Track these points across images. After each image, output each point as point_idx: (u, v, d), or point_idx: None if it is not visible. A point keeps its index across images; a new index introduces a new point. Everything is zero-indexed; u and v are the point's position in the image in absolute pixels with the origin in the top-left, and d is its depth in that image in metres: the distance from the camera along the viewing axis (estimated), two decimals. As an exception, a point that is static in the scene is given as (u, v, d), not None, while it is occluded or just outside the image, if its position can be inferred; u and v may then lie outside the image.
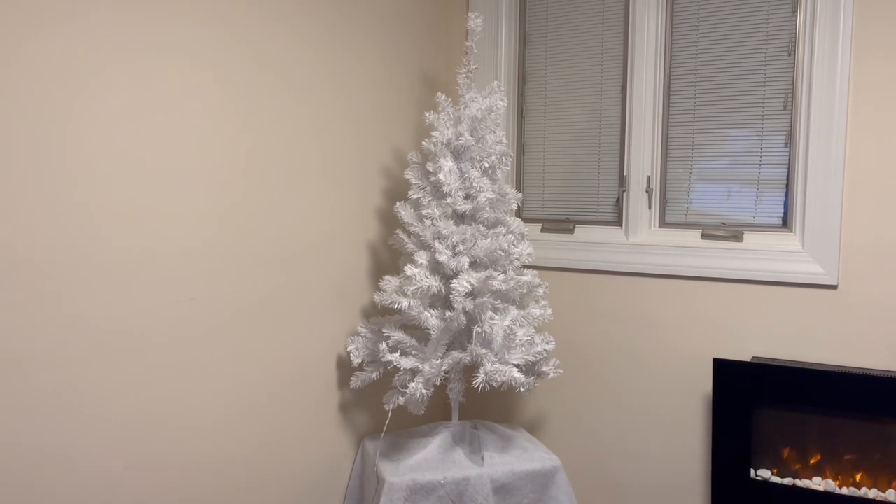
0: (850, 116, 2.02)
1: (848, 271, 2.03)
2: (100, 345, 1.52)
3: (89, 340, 1.50)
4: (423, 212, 2.09)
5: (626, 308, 2.37)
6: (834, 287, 2.05)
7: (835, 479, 2.01)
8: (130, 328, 1.58)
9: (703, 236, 2.27)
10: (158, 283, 1.64)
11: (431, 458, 2.08)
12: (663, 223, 2.37)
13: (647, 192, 2.36)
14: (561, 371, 2.21)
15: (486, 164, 2.10)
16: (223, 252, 1.80)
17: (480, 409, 2.67)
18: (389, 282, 2.10)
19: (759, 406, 2.09)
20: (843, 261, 2.04)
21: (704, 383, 2.25)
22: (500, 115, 2.14)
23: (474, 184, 2.07)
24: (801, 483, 2.03)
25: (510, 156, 2.16)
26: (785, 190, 2.17)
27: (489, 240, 2.07)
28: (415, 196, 2.13)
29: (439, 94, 2.14)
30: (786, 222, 2.18)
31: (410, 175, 2.13)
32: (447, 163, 2.07)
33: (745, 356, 2.18)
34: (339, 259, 2.18)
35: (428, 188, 2.12)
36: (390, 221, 2.37)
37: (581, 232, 2.49)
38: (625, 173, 2.40)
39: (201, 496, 1.77)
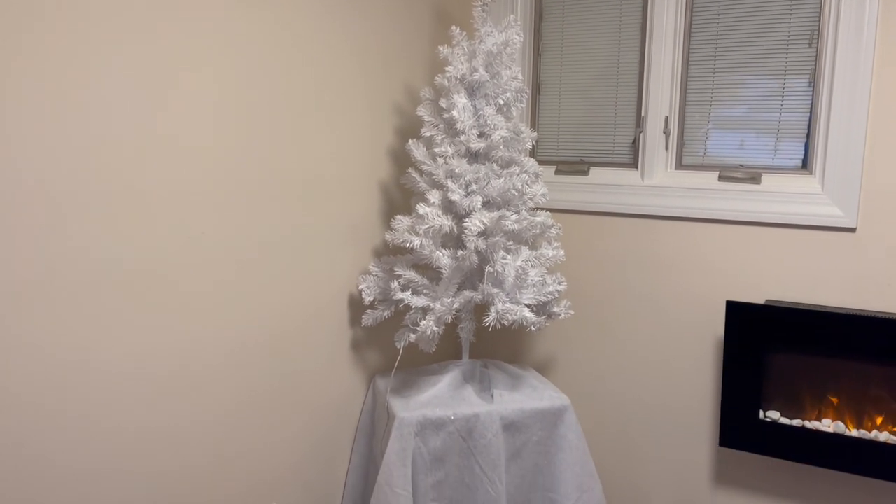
0: (877, 51, 1.95)
1: (867, 214, 2.00)
2: (108, 278, 1.52)
3: (98, 274, 1.50)
4: (436, 150, 2.06)
5: (639, 251, 2.35)
6: (853, 230, 2.01)
7: (845, 421, 2.01)
8: (138, 262, 1.58)
9: (721, 178, 2.23)
10: (168, 217, 1.63)
11: (441, 395, 2.10)
12: (680, 165, 2.33)
13: (664, 132, 2.31)
14: (572, 312, 2.20)
15: (501, 102, 2.06)
16: (234, 189, 1.78)
17: (491, 349, 2.68)
18: (401, 221, 2.08)
19: (770, 349, 2.08)
20: (862, 204, 2.00)
21: (717, 326, 2.24)
22: (516, 50, 2.09)
23: (488, 121, 2.03)
24: (810, 425, 2.04)
25: (525, 93, 2.12)
26: (805, 137, 2.12)
27: (503, 179, 2.05)
28: (427, 134, 2.09)
29: (454, 27, 2.09)
30: (806, 164, 2.14)
31: (423, 112, 2.10)
32: (461, 99, 2.03)
33: (759, 300, 2.17)
34: (351, 198, 2.17)
35: (441, 126, 2.09)
36: (402, 160, 2.34)
37: (596, 174, 2.45)
38: (642, 114, 2.35)
39: (210, 434, 1.80)
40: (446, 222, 2.01)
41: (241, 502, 1.90)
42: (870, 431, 1.97)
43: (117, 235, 1.53)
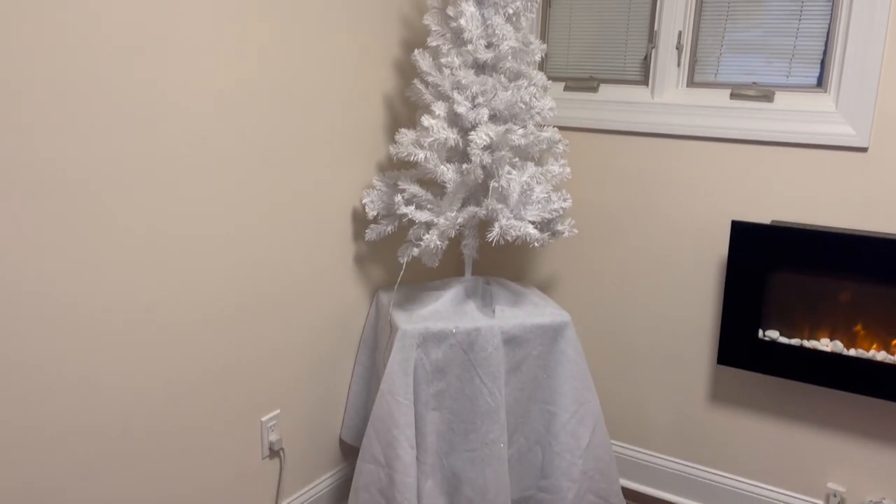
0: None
1: (880, 134, 1.96)
2: (107, 181, 1.51)
3: (94, 174, 1.49)
4: (443, 61, 2.01)
5: (647, 170, 2.32)
6: (864, 150, 1.98)
7: (844, 341, 2.02)
8: (139, 166, 1.57)
9: (733, 96, 2.18)
10: (169, 123, 1.61)
11: (444, 310, 2.11)
12: (691, 83, 2.28)
13: (676, 48, 2.25)
14: (576, 231, 2.19)
15: (511, 11, 2.00)
16: (236, 94, 1.75)
17: (493, 267, 2.69)
18: (406, 135, 2.05)
19: (774, 269, 2.08)
20: (876, 123, 1.96)
21: (721, 247, 2.23)
22: (527, -43, 2.01)
23: (497, 31, 1.98)
24: (809, 344, 2.05)
25: (536, 2, 2.05)
26: (821, 61, 2.06)
27: (510, 92, 2.01)
28: (434, 43, 2.04)
29: (462, -68, 2.01)
30: (820, 83, 2.08)
31: (430, 20, 2.04)
32: (469, 7, 1.97)
33: (765, 221, 2.15)
34: (355, 111, 2.13)
35: (448, 35, 2.03)
36: (408, 73, 2.30)
37: (605, 91, 2.40)
38: (655, 28, 2.28)
39: (214, 341, 1.83)
40: (451, 135, 1.98)
41: (246, 408, 1.94)
42: (867, 351, 1.99)
43: (115, 139, 1.51)
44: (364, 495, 2.02)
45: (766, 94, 2.13)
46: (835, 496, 2.13)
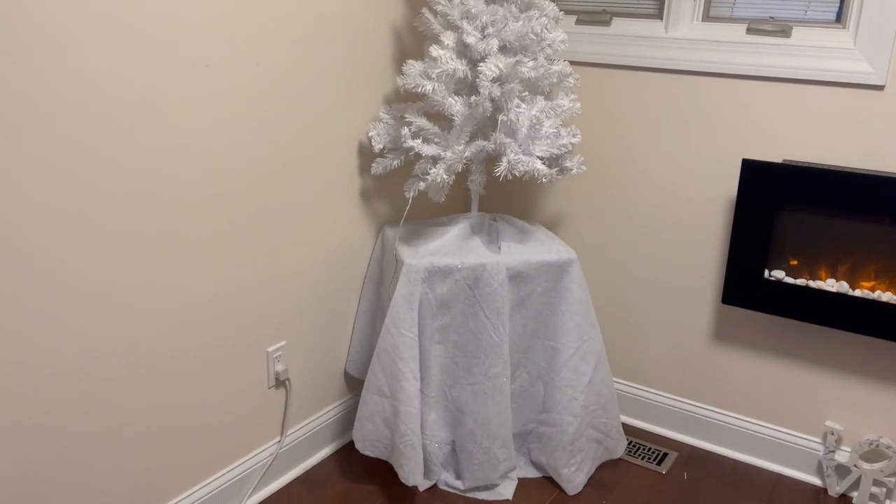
0: None
1: (899, 72, 1.92)
2: (113, 111, 1.49)
3: (99, 104, 1.47)
4: (452, -11, 1.96)
5: (658, 107, 2.28)
6: (881, 88, 1.94)
7: (850, 282, 2.02)
8: (144, 94, 1.54)
9: (749, 31, 2.12)
10: (174, 47, 1.57)
11: (450, 245, 2.11)
12: (707, 17, 2.22)
13: (693, -20, 2.18)
14: (584, 168, 2.17)
15: (523, -63, 1.93)
16: (243, 25, 1.71)
17: (500, 203, 2.68)
18: (413, 66, 2.01)
19: (783, 209, 2.07)
20: (894, 61, 1.92)
21: (731, 187, 2.21)
22: None
23: (508, -42, 1.92)
24: (814, 284, 2.05)
25: (549, -71, 1.98)
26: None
27: (521, 23, 1.96)
28: (443, -29, 1.98)
29: None
30: (839, 18, 2.03)
31: (439, -54, 1.97)
32: (480, -68, 1.90)
33: (776, 160, 2.12)
34: (361, 41, 2.08)
35: (458, -38, 1.97)
36: (416, 1, 2.24)
37: (618, 25, 2.34)
38: (672, -41, 2.21)
39: (220, 270, 1.83)
40: (460, 66, 1.94)
41: (253, 339, 1.96)
42: (873, 292, 1.98)
43: (119, 66, 1.48)
44: (369, 425, 2.05)
45: (783, 30, 2.07)
46: (832, 434, 2.16)
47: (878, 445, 2.10)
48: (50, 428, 1.51)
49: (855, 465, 2.13)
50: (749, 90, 2.13)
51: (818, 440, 2.23)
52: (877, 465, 2.11)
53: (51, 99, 1.37)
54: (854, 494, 2.17)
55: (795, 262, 2.09)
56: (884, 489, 2.11)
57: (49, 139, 1.38)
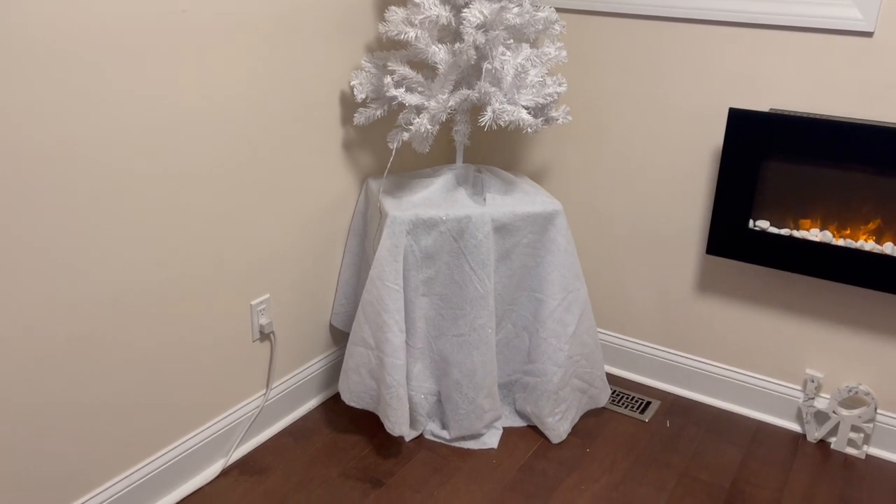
0: None
1: (888, 19, 1.89)
2: (87, 61, 1.44)
3: (76, 56, 1.42)
4: (435, -69, 1.90)
5: (645, 56, 2.25)
6: (870, 34, 1.92)
7: (834, 232, 2.03)
8: (122, 41, 1.49)
9: (738, -23, 2.08)
10: (147, -11, 1.52)
11: (434, 197, 2.09)
12: (696, -38, 2.17)
13: (682, -77, 2.13)
14: (570, 118, 2.14)
15: None
16: (216, -38, 1.65)
17: (485, 155, 2.65)
18: (396, 13, 1.96)
19: (769, 159, 2.06)
20: (884, 7, 1.89)
21: (716, 137, 2.20)
22: None
23: None
24: (798, 234, 2.06)
25: None
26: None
27: (505, -33, 1.90)
28: (426, -88, 1.92)
29: None
30: (831, -37, 1.99)
31: None
32: None
33: (763, 109, 2.10)
34: (343, -15, 2.03)
35: None
36: (398, -53, 2.17)
37: (605, -30, 2.29)
38: None
39: (201, 220, 1.80)
40: (444, 13, 1.90)
41: (237, 292, 1.94)
42: (856, 241, 1.99)
43: (88, 17, 1.43)
44: (354, 377, 2.06)
45: (773, -25, 2.03)
46: (812, 382, 2.20)
47: (856, 392, 2.14)
48: (43, 374, 1.50)
49: (833, 412, 2.17)
50: (736, 38, 2.10)
51: (798, 388, 2.27)
52: (855, 412, 2.15)
53: (17, 45, 1.32)
54: (832, 440, 2.22)
55: (780, 212, 2.09)
56: (861, 434, 2.15)
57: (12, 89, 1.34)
